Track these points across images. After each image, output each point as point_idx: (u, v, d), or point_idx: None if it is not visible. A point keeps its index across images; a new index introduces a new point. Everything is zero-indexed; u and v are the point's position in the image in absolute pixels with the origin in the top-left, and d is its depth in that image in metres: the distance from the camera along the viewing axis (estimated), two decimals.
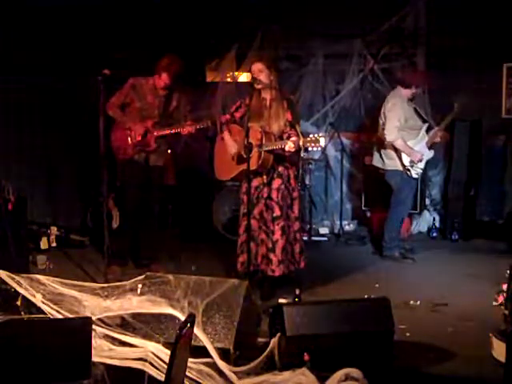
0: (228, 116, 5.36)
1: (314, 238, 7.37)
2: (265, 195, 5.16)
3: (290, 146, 4.88)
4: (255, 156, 5.03)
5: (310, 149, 4.87)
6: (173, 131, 5.75)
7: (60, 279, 4.04)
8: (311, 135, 4.82)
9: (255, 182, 5.15)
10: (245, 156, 4.94)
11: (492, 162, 7.56)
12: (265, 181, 5.17)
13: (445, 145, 7.63)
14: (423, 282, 5.71)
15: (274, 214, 5.12)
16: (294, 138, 4.91)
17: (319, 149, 4.86)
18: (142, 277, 4.15)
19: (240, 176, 5.25)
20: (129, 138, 5.81)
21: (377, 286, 5.56)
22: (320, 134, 4.83)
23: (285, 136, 5.09)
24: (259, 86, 5.09)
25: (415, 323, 4.59)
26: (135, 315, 3.90)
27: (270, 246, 5.12)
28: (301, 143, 4.84)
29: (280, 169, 5.19)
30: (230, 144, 5.29)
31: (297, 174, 7.20)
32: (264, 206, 5.16)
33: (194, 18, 7.57)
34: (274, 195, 5.15)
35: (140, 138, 5.79)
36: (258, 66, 5.12)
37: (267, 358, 3.69)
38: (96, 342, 3.55)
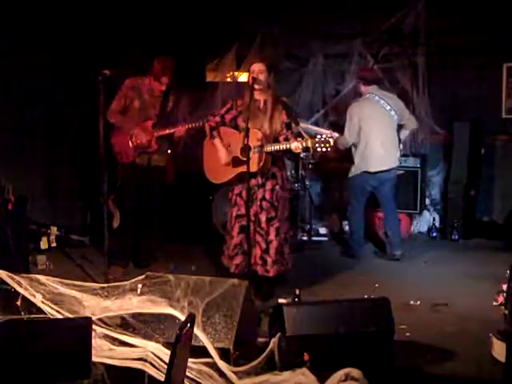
0: (218, 118, 5.24)
1: (314, 238, 7.37)
2: (259, 196, 5.12)
3: (296, 146, 4.82)
4: (255, 158, 4.96)
5: (319, 149, 4.71)
6: (171, 131, 5.75)
7: (60, 279, 4.03)
8: (318, 136, 4.74)
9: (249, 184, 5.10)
10: (242, 158, 4.90)
11: (492, 162, 7.56)
12: (259, 182, 5.13)
13: (445, 145, 7.64)
14: (423, 282, 5.71)
15: (269, 215, 5.09)
16: (300, 139, 4.88)
17: (329, 149, 4.71)
18: (142, 277, 4.14)
19: (235, 179, 5.18)
20: (129, 142, 5.83)
21: (377, 286, 5.56)
22: (329, 135, 4.75)
23: (282, 138, 5.06)
24: (259, 86, 5.05)
25: (415, 323, 4.59)
26: (135, 315, 3.89)
27: (265, 246, 5.10)
28: (309, 144, 4.76)
29: (274, 170, 5.15)
30: (221, 152, 5.20)
31: (296, 175, 7.22)
32: (258, 208, 5.13)
33: (194, 18, 7.57)
34: (268, 196, 5.11)
35: (142, 142, 5.80)
36: (259, 67, 5.06)
37: (267, 358, 3.68)
38: (96, 342, 3.55)
